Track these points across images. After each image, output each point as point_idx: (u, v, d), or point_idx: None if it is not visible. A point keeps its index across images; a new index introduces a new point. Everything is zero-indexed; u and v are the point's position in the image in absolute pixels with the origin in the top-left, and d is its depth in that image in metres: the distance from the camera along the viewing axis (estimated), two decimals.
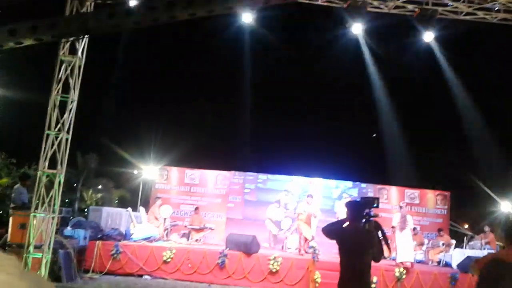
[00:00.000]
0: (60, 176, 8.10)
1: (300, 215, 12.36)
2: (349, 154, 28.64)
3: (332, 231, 4.59)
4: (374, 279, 10.20)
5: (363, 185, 16.27)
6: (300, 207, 12.70)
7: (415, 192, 16.18)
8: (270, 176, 16.21)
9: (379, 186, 16.24)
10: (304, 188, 15.47)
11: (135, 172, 24.77)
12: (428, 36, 10.14)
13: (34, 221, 8.00)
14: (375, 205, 4.63)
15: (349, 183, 16.26)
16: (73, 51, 8.40)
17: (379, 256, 4.39)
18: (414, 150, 25.05)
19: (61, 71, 8.26)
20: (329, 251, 11.68)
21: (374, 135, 26.04)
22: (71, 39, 7.15)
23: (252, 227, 13.87)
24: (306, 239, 12.30)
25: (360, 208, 4.48)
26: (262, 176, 16.19)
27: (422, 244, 13.29)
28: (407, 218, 11.86)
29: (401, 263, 11.19)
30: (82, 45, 8.31)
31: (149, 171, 19.66)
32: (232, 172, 16.17)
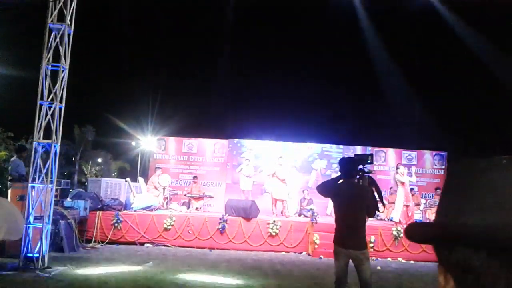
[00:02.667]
0: (56, 146, 8.07)
1: (273, 176, 12.60)
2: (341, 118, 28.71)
3: (326, 188, 4.61)
4: (372, 238, 10.37)
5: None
6: (272, 168, 12.86)
7: (412, 153, 16.23)
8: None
9: (376, 149, 16.27)
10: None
11: (133, 143, 24.79)
12: None
13: (33, 192, 8.02)
14: (368, 161, 4.64)
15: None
16: (61, 18, 8.24)
17: (373, 211, 4.42)
18: (410, 111, 25.05)
19: (51, 39, 8.13)
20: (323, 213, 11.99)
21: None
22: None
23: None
24: (276, 200, 12.53)
25: (353, 164, 4.48)
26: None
27: (418, 204, 13.41)
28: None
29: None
30: (70, 12, 8.14)
31: (146, 141, 19.66)
32: (228, 140, 16.21)
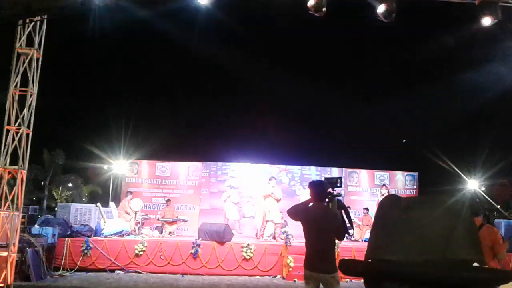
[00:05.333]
0: (23, 173, 7.89)
1: (266, 197, 12.50)
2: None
3: (296, 211, 4.62)
4: None
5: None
6: (267, 189, 12.77)
7: (385, 174, 16.47)
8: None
9: (349, 170, 16.45)
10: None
11: (105, 167, 24.39)
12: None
13: None
14: (337, 184, 4.68)
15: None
16: (30, 43, 8.16)
17: (342, 234, 4.44)
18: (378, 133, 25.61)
19: (19, 64, 8.02)
20: (301, 235, 11.88)
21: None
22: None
23: (222, 216, 13.94)
24: (273, 223, 12.42)
25: (323, 188, 4.52)
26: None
27: (369, 225, 13.41)
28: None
29: None
30: (39, 37, 8.07)
31: (119, 165, 19.38)
32: (203, 163, 16.10)
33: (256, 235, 12.58)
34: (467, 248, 0.54)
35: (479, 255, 0.55)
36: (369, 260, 0.62)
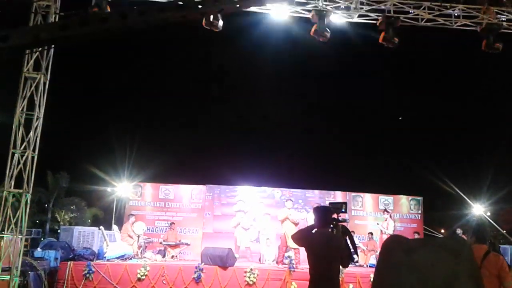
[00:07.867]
0: (27, 196, 7.90)
1: (285, 221, 12.20)
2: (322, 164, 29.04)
3: (301, 237, 4.60)
4: (350, 286, 10.23)
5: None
6: (282, 212, 12.46)
7: (389, 199, 16.35)
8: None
9: (353, 194, 16.36)
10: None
11: (109, 189, 24.38)
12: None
13: (1, 243, 7.77)
14: (342, 210, 4.67)
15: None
16: (38, 67, 8.27)
17: (347, 261, 4.40)
18: (386, 157, 25.59)
19: (26, 88, 8.12)
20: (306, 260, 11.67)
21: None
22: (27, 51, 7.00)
23: (225, 240, 13.80)
24: (287, 247, 12.04)
25: (327, 214, 4.50)
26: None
27: (374, 250, 13.19)
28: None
29: None
30: (46, 62, 8.19)
31: (123, 188, 19.33)
32: (206, 186, 16.05)
33: (276, 262, 12.17)
34: None
35: None
36: None
